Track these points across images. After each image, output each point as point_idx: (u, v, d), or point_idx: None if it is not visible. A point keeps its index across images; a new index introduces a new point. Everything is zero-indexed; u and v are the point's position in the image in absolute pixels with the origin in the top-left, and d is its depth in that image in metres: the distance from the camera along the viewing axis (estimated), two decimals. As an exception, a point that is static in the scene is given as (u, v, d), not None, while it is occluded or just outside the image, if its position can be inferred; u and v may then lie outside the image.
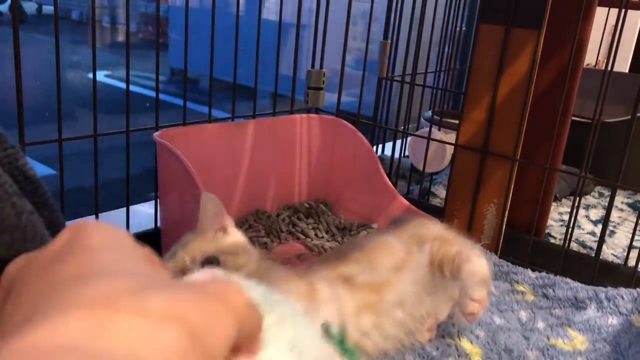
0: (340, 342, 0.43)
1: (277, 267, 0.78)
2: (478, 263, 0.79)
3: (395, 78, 1.47)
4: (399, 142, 1.61)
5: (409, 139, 1.53)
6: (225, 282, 0.28)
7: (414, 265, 0.83)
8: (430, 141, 1.29)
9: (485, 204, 1.11)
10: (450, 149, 1.38)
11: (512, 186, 1.09)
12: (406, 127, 1.32)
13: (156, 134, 0.99)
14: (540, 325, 0.89)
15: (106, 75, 4.54)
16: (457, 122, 1.22)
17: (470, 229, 1.14)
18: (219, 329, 0.26)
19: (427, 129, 1.33)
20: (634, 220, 1.13)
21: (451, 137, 1.41)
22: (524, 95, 1.06)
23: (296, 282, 0.74)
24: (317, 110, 1.33)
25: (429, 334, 0.83)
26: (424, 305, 0.82)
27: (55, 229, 0.43)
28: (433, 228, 0.90)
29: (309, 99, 1.29)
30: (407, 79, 1.36)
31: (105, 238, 0.30)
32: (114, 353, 0.21)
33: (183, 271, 0.71)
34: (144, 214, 1.22)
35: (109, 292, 0.23)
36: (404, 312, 0.79)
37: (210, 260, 0.70)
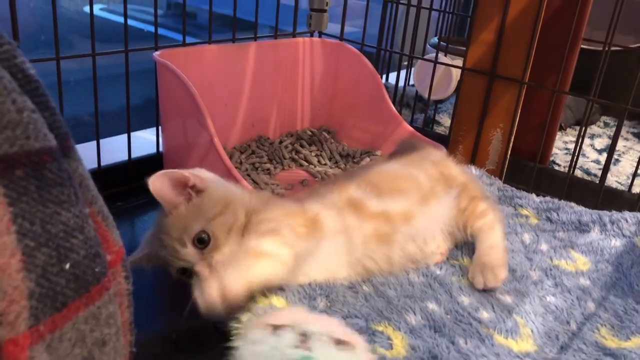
0: None
1: (273, 202, 0.74)
2: (499, 233, 0.83)
3: (401, 1, 1.42)
4: (403, 71, 1.58)
5: (413, 67, 1.50)
6: None
7: (437, 204, 0.83)
8: (437, 67, 1.26)
9: (492, 129, 1.10)
10: (456, 75, 1.35)
11: (519, 110, 1.07)
12: (412, 52, 1.28)
13: (156, 54, 0.96)
14: (544, 247, 0.90)
15: (102, 9, 4.40)
16: (463, 48, 1.19)
17: (475, 154, 1.13)
18: None
19: (433, 54, 1.29)
20: (639, 149, 1.12)
21: (458, 63, 1.37)
22: (535, 16, 1.03)
23: (295, 216, 0.71)
24: (320, 34, 1.30)
25: (441, 257, 0.83)
26: (435, 242, 0.83)
27: (57, 131, 0.42)
28: (456, 169, 0.91)
29: (312, 21, 1.25)
30: (413, 1, 1.31)
31: None
32: None
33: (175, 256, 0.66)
34: (145, 140, 1.20)
35: None
36: (415, 247, 0.80)
37: (202, 238, 0.65)
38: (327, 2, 1.26)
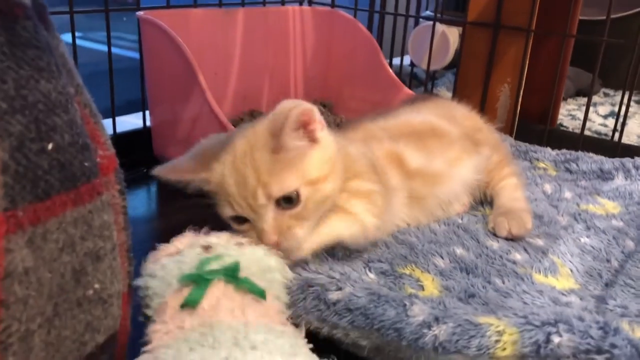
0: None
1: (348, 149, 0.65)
2: (521, 192, 0.78)
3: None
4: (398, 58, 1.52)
5: (408, 41, 1.44)
6: None
7: (469, 165, 0.77)
8: (433, 34, 1.20)
9: (499, 85, 1.04)
10: (453, 42, 1.30)
11: (527, 62, 1.02)
12: (407, 11, 1.23)
13: (140, 13, 0.89)
14: (568, 195, 0.83)
15: (79, 37, 4.32)
16: (458, 19, 1.13)
17: (482, 113, 1.07)
18: None
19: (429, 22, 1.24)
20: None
21: (453, 31, 1.32)
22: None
23: (373, 174, 0.63)
24: (310, 3, 1.24)
25: (462, 207, 0.77)
26: (460, 202, 0.76)
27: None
28: (486, 127, 0.85)
29: (301, -12, 1.20)
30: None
31: None
32: None
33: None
34: (131, 122, 1.13)
35: None
36: (442, 210, 0.75)
37: (291, 198, 0.54)
38: (316, -32, 1.20)
